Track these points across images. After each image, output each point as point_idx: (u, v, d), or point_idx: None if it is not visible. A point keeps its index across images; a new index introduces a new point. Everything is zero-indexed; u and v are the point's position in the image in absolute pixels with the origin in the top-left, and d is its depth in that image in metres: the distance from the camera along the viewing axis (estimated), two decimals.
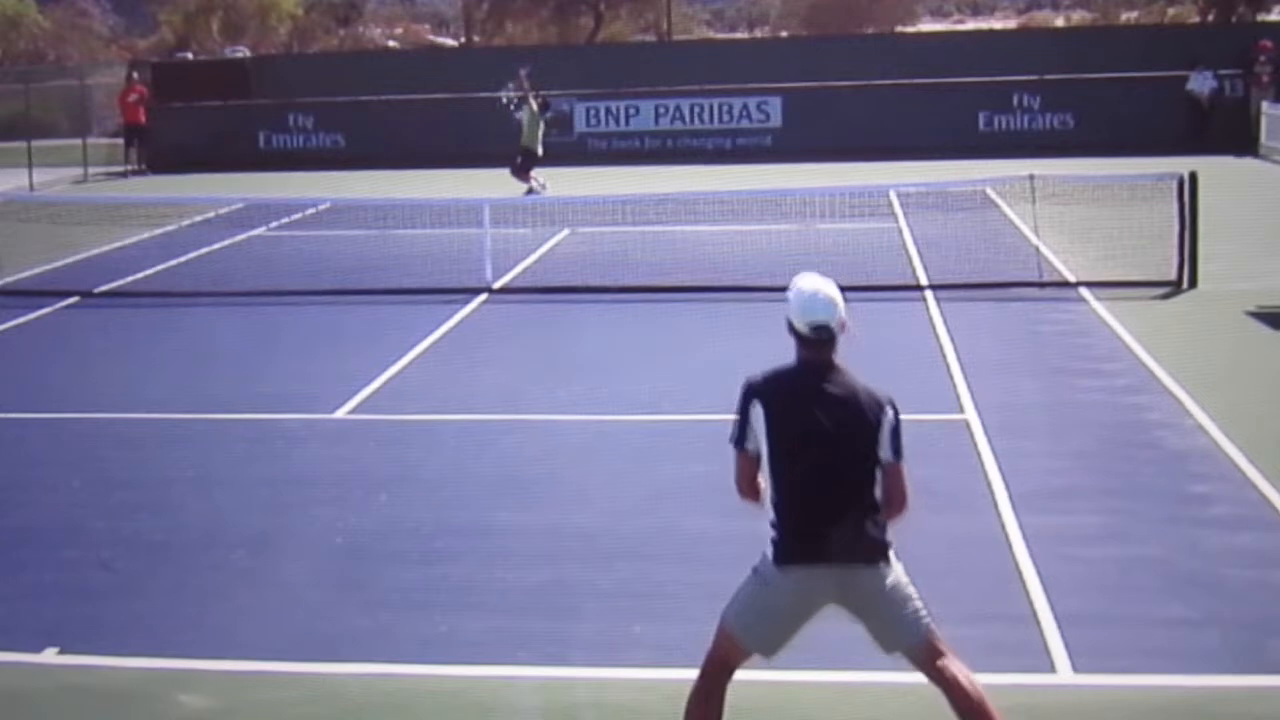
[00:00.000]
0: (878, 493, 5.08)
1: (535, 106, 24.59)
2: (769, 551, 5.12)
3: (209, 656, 6.65)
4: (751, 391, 5.12)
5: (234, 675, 6.51)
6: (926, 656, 5.09)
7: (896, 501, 5.09)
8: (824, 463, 5.01)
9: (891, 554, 5.10)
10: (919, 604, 5.09)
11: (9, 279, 17.13)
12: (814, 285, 5.12)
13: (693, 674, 6.15)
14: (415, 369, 12.54)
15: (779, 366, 5.18)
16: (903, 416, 5.14)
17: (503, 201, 20.03)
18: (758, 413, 5.07)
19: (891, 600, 5.06)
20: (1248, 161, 27.24)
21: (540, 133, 24.52)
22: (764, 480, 5.16)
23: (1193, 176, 15.30)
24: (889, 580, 5.05)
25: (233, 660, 6.62)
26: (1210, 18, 50.03)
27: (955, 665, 5.08)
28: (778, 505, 5.09)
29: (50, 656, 6.71)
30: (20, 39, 55.74)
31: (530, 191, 23.51)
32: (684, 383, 11.69)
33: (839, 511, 5.01)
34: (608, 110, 32.37)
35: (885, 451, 5.05)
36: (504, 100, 24.37)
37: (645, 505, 8.73)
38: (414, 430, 10.69)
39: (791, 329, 5.12)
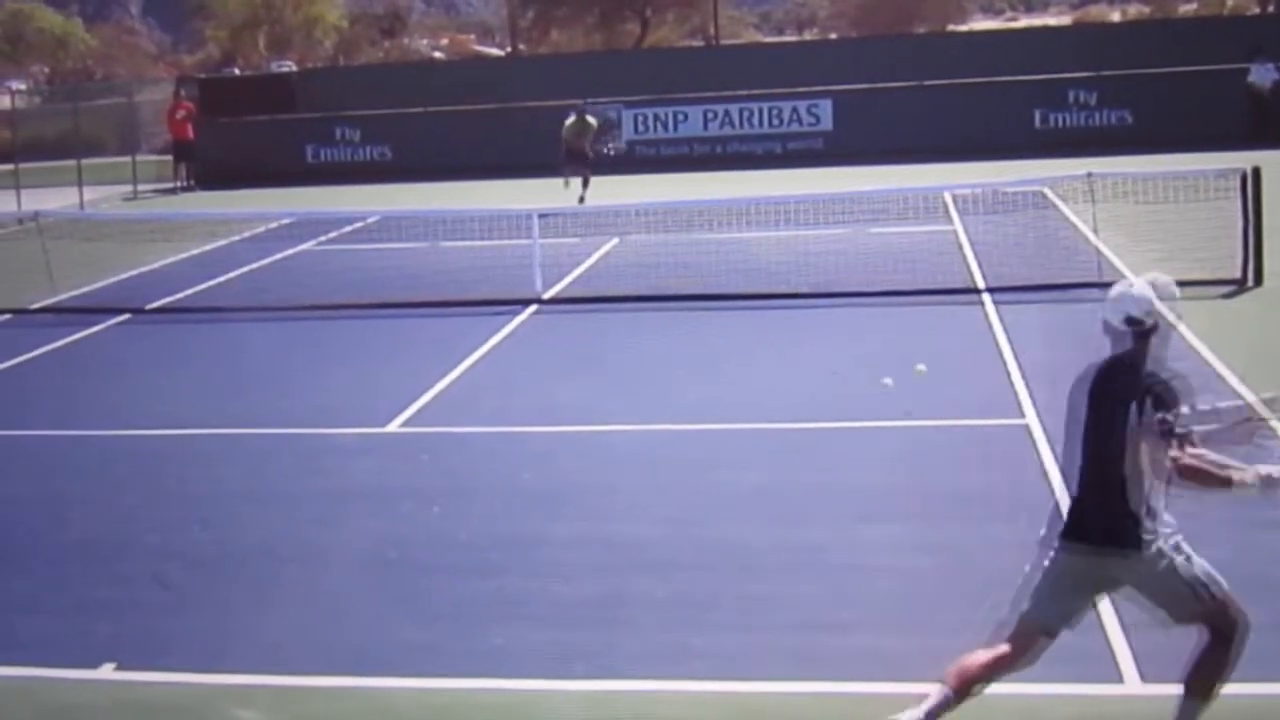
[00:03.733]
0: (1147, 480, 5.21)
1: (569, 120, 24.61)
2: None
3: (263, 670, 6.63)
4: (1075, 381, 5.36)
5: (287, 689, 6.49)
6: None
7: (1162, 475, 5.22)
8: (1094, 450, 5.24)
9: (1155, 539, 5.19)
10: (1184, 587, 5.20)
11: (61, 296, 17.27)
12: (1139, 286, 5.40)
13: (751, 685, 6.13)
14: (466, 381, 12.50)
15: (1099, 359, 5.38)
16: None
17: (551, 211, 20.00)
18: (1077, 400, 5.30)
19: (1151, 585, 5.23)
20: None
21: (583, 133, 24.51)
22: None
23: (1256, 171, 15.03)
24: (1149, 564, 5.18)
25: (286, 674, 6.60)
26: (1270, 8, 49.35)
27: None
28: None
29: (107, 672, 6.71)
30: (68, 57, 56.50)
31: (583, 200, 23.46)
32: (737, 391, 11.59)
33: (1100, 497, 5.22)
34: (656, 117, 32.28)
35: (1148, 433, 5.15)
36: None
37: (699, 516, 8.64)
38: (466, 442, 10.64)
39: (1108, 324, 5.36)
